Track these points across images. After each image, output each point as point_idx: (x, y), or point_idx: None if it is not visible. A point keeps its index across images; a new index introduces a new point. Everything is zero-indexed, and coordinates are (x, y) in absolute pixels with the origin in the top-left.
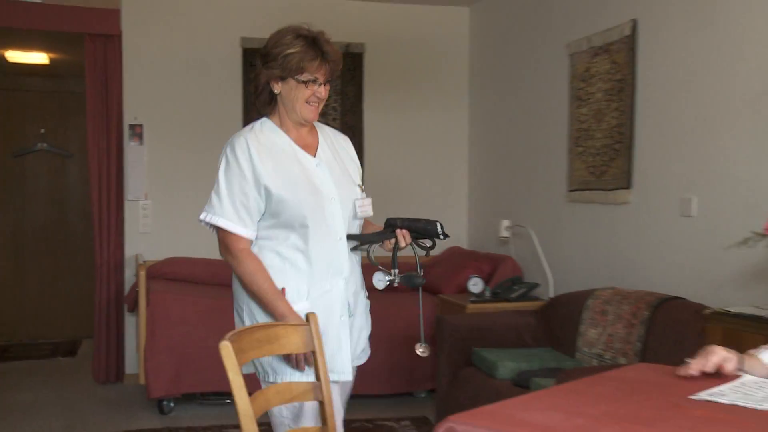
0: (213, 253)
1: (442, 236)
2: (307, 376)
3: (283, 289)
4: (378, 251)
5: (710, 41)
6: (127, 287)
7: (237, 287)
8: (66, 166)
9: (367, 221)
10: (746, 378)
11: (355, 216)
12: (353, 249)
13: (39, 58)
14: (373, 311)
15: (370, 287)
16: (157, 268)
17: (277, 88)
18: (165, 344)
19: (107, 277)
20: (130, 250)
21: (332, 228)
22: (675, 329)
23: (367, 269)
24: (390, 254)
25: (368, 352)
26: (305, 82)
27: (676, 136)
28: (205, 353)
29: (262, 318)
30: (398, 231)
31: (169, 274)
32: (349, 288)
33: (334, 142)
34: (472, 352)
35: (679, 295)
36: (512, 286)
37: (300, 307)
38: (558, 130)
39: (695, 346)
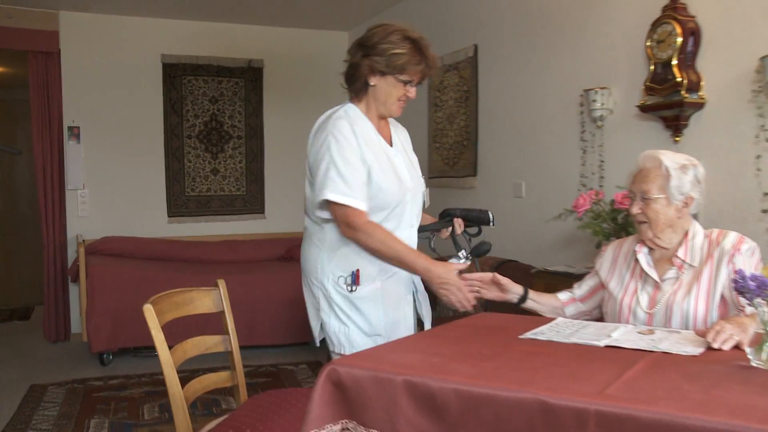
0: (141, 232)
1: (492, 224)
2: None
3: (357, 271)
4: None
5: (532, 62)
6: (70, 262)
7: (311, 265)
8: (15, 162)
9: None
10: (559, 320)
11: (423, 206)
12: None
13: None
14: (279, 278)
15: None
16: (95, 245)
17: (373, 80)
18: (103, 308)
19: (53, 254)
20: (71, 231)
21: (407, 215)
22: None
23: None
24: (447, 240)
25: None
26: (404, 82)
27: (509, 135)
28: (136, 314)
29: (337, 297)
30: (455, 219)
31: (105, 250)
32: None
33: (399, 134)
34: None
35: (513, 259)
36: None
37: (374, 286)
38: (420, 129)
39: None
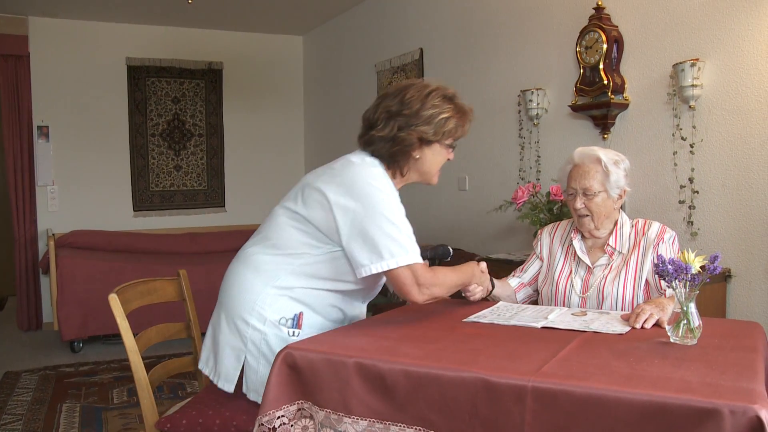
0: (108, 225)
1: (450, 257)
2: None
3: (300, 314)
4: None
5: (474, 65)
6: (40, 254)
7: (246, 299)
8: None
9: None
10: (500, 304)
11: None
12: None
13: None
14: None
15: None
16: (64, 238)
17: (417, 153)
18: (72, 298)
19: (25, 247)
20: (41, 226)
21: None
22: None
23: None
24: None
25: None
26: (449, 147)
27: None
28: (104, 303)
29: (274, 341)
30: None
31: (74, 243)
32: None
33: None
34: None
35: (458, 248)
36: None
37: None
38: None
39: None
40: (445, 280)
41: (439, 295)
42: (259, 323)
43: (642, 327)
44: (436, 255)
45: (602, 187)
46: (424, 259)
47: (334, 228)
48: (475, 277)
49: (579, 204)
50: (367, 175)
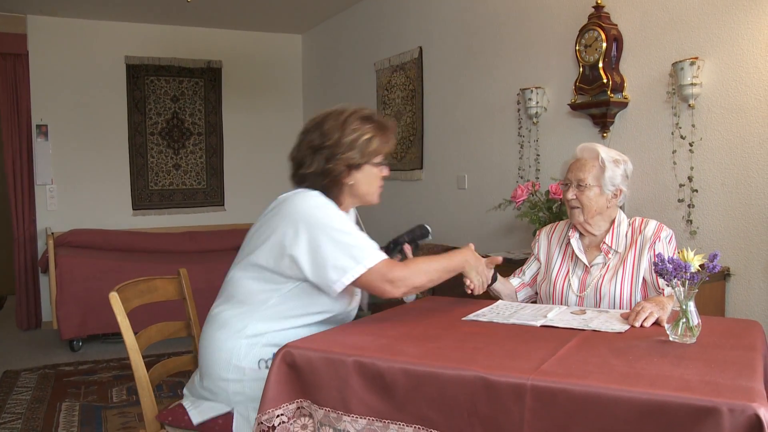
0: (107, 224)
1: (430, 236)
2: None
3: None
4: None
5: (473, 63)
6: (39, 253)
7: (222, 358)
8: None
9: None
10: (499, 302)
11: None
12: None
13: None
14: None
15: None
16: (63, 237)
17: (349, 179)
18: (72, 297)
19: (24, 246)
20: (41, 225)
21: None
22: None
23: None
24: None
25: None
26: (380, 164)
27: (452, 131)
28: (104, 302)
29: (254, 386)
30: (405, 247)
31: (73, 242)
32: None
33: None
34: None
35: (457, 246)
36: None
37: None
38: None
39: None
40: (423, 268)
41: (420, 284)
42: (238, 375)
43: (641, 326)
44: (414, 237)
45: (596, 182)
46: (400, 243)
47: (294, 264)
48: (467, 262)
49: (571, 195)
50: (303, 199)
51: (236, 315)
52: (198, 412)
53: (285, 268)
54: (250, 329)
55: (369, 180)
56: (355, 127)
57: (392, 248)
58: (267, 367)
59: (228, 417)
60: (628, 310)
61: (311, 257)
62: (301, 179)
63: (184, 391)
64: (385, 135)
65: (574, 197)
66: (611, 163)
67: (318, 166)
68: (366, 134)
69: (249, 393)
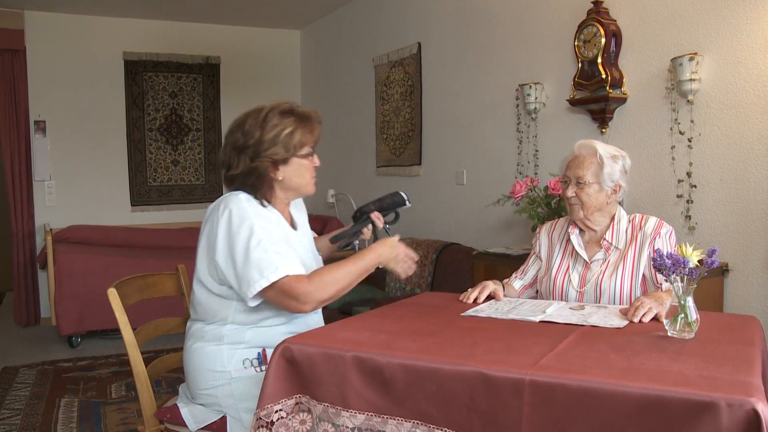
0: (105, 220)
1: (408, 203)
2: None
3: (263, 350)
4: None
5: (472, 59)
6: (38, 249)
7: (205, 367)
8: None
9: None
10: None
11: None
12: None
13: None
14: None
15: None
16: (61, 233)
17: (279, 174)
18: (70, 293)
19: (22, 242)
20: (39, 221)
21: None
22: (454, 266)
23: None
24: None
25: None
26: (308, 155)
27: (451, 126)
28: (102, 298)
29: (241, 386)
30: (373, 215)
31: (71, 238)
32: None
33: (298, 210)
34: None
35: (456, 242)
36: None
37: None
38: (368, 121)
39: (467, 276)
40: (328, 280)
41: (329, 296)
42: (224, 380)
43: (640, 321)
44: (384, 205)
45: (595, 178)
46: (366, 212)
47: (221, 271)
48: (381, 256)
49: (570, 192)
50: (225, 207)
51: (211, 328)
52: (192, 417)
53: (219, 275)
54: (228, 337)
55: (299, 172)
56: (275, 122)
57: (357, 218)
58: (252, 365)
59: (222, 419)
60: (627, 306)
61: (230, 266)
62: (231, 180)
63: (179, 390)
64: (308, 126)
65: (574, 195)
66: (609, 159)
67: (244, 165)
68: (287, 128)
69: (238, 394)
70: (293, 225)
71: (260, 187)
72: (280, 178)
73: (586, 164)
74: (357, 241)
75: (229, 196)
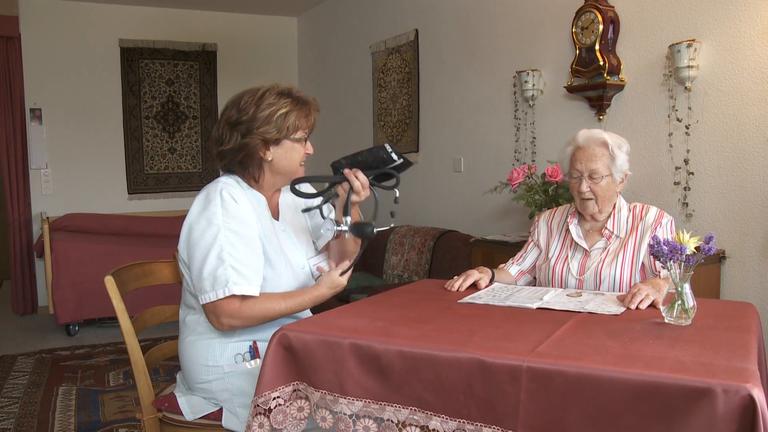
0: (102, 208)
1: (397, 158)
2: None
3: (254, 343)
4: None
5: (469, 46)
6: (35, 238)
7: (199, 361)
8: None
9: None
10: (496, 285)
11: (312, 275)
12: (305, 211)
13: None
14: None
15: None
16: (58, 222)
17: (269, 154)
18: (67, 281)
19: (19, 231)
20: (35, 209)
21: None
22: (451, 253)
23: None
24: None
25: None
26: (301, 140)
27: (448, 114)
28: (99, 287)
29: (237, 381)
30: (347, 172)
31: (68, 226)
32: None
33: (286, 198)
34: None
35: (453, 229)
36: None
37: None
38: (366, 109)
39: (465, 264)
40: (257, 316)
41: (254, 324)
42: (218, 374)
43: (637, 308)
44: (373, 163)
45: (608, 171)
46: (337, 168)
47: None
48: (321, 297)
49: (584, 187)
50: (196, 212)
51: (203, 319)
52: (190, 407)
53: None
54: (219, 330)
55: (289, 156)
56: (271, 101)
57: (334, 170)
58: (244, 360)
59: (219, 410)
60: (624, 293)
61: (186, 266)
62: (221, 156)
63: (177, 378)
64: (304, 110)
65: (588, 189)
66: (618, 149)
67: (235, 141)
68: (282, 109)
69: (232, 389)
70: (277, 215)
71: (249, 165)
72: (270, 158)
73: (598, 156)
74: (330, 209)
75: (214, 185)
